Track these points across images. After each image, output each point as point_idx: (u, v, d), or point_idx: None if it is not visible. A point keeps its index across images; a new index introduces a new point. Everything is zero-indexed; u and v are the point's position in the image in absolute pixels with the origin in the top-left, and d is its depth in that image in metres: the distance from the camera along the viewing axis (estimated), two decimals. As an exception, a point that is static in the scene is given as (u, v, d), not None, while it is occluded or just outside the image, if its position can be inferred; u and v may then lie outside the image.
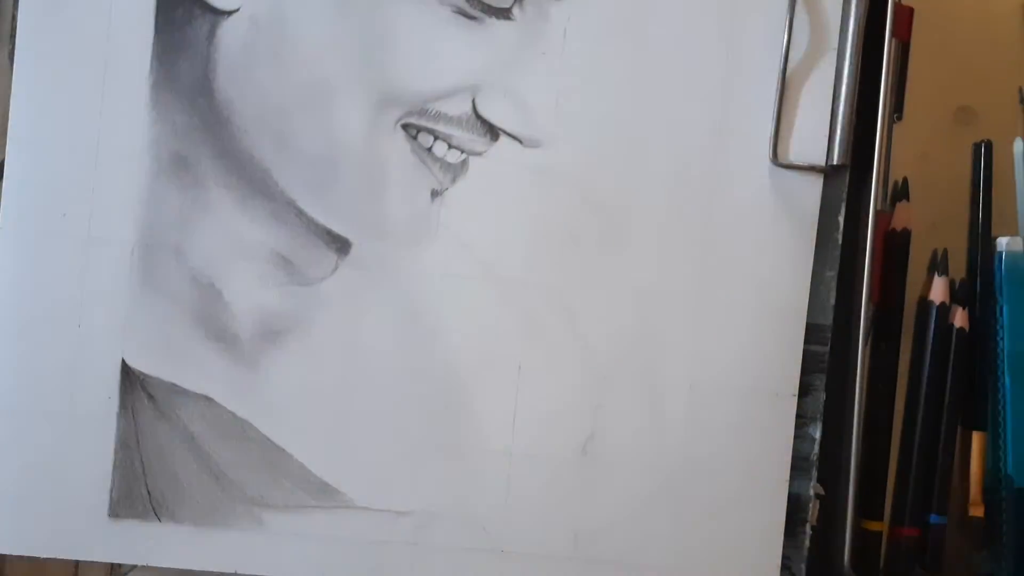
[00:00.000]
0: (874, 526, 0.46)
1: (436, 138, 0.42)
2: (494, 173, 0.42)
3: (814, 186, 0.43)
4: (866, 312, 0.42)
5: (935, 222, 0.47)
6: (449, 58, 0.42)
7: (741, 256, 0.43)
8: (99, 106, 0.42)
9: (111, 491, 0.42)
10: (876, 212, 0.43)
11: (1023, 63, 0.47)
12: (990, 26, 0.47)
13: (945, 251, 0.47)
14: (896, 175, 0.46)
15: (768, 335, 0.43)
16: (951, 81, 0.46)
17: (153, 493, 0.42)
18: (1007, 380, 0.45)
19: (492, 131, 0.42)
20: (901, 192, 0.47)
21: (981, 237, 0.47)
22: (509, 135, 0.42)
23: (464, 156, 0.42)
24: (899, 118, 0.45)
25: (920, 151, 0.46)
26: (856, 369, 0.43)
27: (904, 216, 0.46)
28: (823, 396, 0.43)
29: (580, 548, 0.43)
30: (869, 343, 0.45)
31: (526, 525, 0.43)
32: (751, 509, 0.43)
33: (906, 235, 0.46)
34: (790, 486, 0.43)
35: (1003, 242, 0.46)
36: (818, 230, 0.43)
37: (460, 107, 0.42)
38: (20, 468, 0.42)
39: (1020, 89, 0.46)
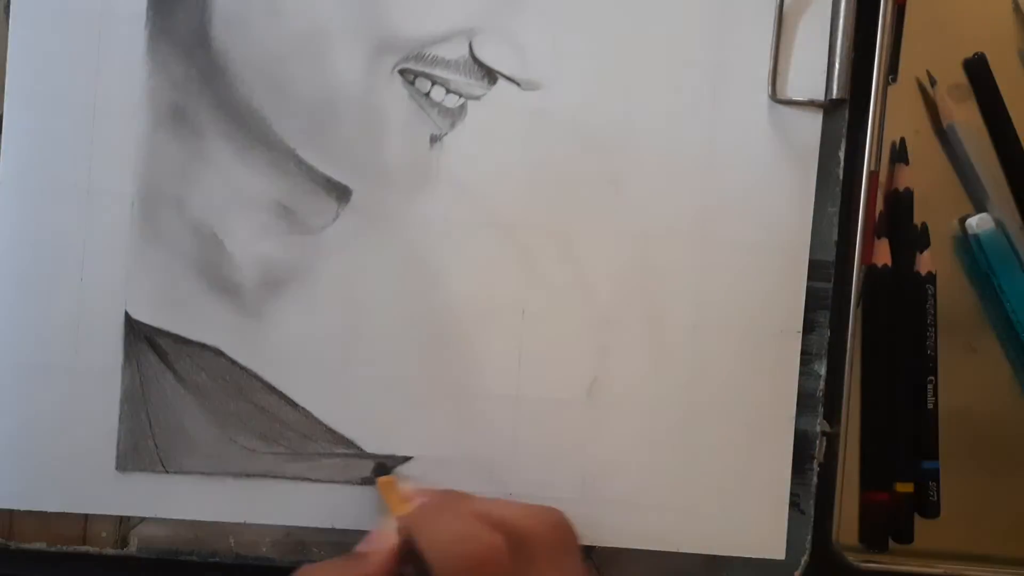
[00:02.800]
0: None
1: (434, 83, 0.42)
2: (493, 117, 0.42)
3: (814, 121, 0.42)
4: (861, 239, 0.42)
5: (928, 194, 0.46)
6: (445, 1, 0.42)
7: (742, 194, 0.43)
8: (96, 58, 0.42)
9: (118, 444, 0.42)
10: (870, 173, 0.43)
11: (1014, 40, 0.46)
12: (981, 5, 0.46)
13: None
14: (887, 152, 0.46)
15: (771, 272, 0.43)
16: (942, 58, 0.46)
17: (160, 445, 0.42)
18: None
19: (490, 74, 0.42)
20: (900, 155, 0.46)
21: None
22: (507, 78, 0.42)
23: (462, 100, 0.42)
24: (894, 80, 0.44)
25: (914, 128, 0.46)
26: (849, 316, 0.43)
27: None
28: (828, 333, 0.43)
29: (587, 490, 0.43)
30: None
31: (533, 468, 0.43)
32: (758, 447, 0.43)
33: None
34: (796, 423, 0.43)
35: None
36: (819, 166, 0.43)
37: (457, 51, 0.42)
38: (26, 423, 0.42)
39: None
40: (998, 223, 0.45)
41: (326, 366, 0.42)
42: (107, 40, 0.42)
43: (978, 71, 0.45)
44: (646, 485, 0.43)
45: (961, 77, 0.46)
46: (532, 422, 0.43)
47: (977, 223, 0.45)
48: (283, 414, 0.42)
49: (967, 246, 0.46)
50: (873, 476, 0.45)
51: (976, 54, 0.45)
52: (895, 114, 0.44)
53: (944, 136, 0.46)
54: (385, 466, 0.42)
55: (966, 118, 0.46)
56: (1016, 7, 0.46)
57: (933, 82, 0.45)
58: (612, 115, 0.42)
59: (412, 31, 0.42)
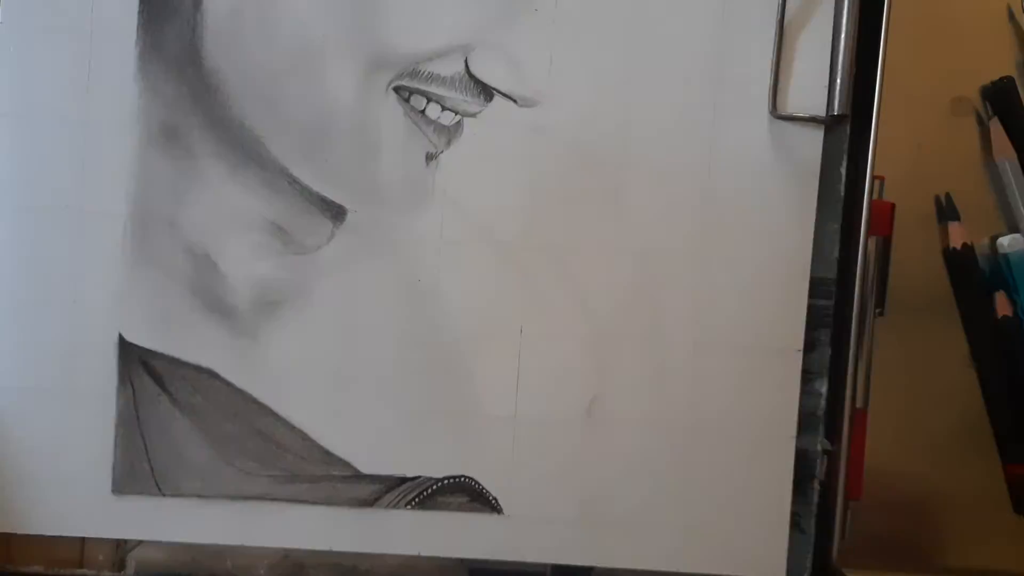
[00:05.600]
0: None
1: (429, 100, 0.41)
2: (489, 134, 0.42)
3: (815, 137, 0.42)
4: (863, 254, 0.41)
5: (929, 212, 0.46)
6: (440, 17, 0.41)
7: (742, 211, 0.42)
8: (86, 78, 0.41)
9: (114, 467, 0.42)
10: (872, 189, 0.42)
11: (1012, 53, 0.46)
12: (981, 18, 0.46)
13: (948, 194, 0.46)
14: (891, 166, 0.45)
15: (772, 290, 0.42)
16: (945, 71, 0.45)
17: (156, 468, 0.42)
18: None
19: (486, 91, 0.42)
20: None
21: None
22: (503, 95, 0.42)
23: (458, 118, 0.42)
24: (881, 314, 0.44)
25: (916, 141, 0.45)
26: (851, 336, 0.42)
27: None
28: (829, 351, 0.43)
29: (586, 510, 0.42)
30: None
31: (531, 489, 0.42)
32: (759, 466, 0.42)
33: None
34: (797, 442, 0.42)
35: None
36: (820, 182, 0.42)
37: (452, 67, 0.41)
38: (21, 446, 0.42)
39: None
40: None
41: (322, 387, 0.42)
42: (97, 58, 0.41)
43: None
44: (645, 505, 0.42)
45: (964, 90, 0.45)
46: (530, 442, 0.42)
47: (1009, 243, 0.44)
48: (279, 436, 0.42)
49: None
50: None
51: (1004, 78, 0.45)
52: (897, 130, 0.44)
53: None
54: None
55: (964, 132, 0.45)
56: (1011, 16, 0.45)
57: (989, 115, 0.44)
58: (611, 132, 0.42)
59: (407, 48, 0.41)
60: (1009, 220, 0.46)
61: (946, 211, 0.46)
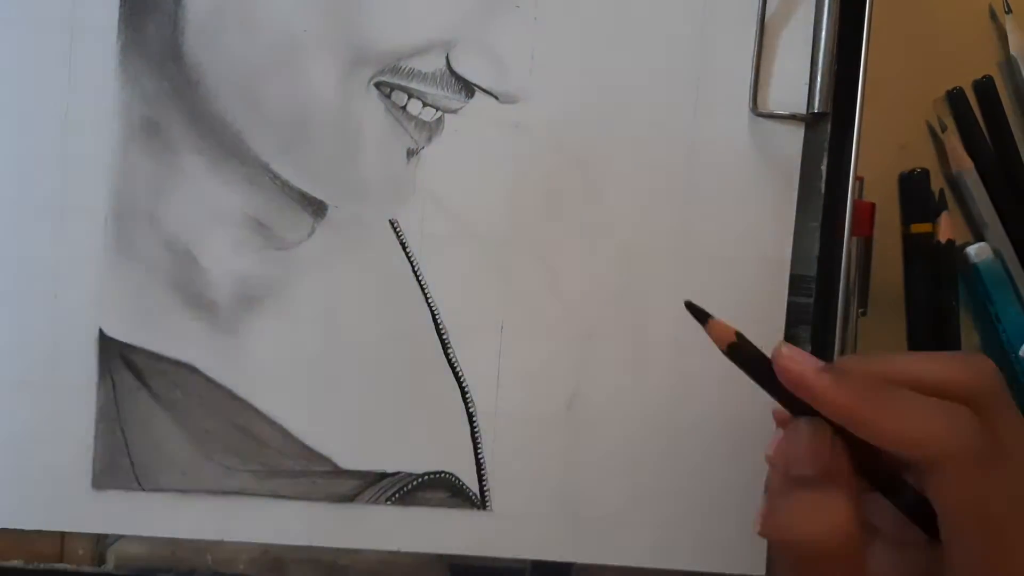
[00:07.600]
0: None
1: (410, 96, 0.41)
2: (470, 130, 0.42)
3: (795, 135, 0.42)
4: (847, 252, 0.41)
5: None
6: (421, 13, 0.41)
7: (723, 208, 0.42)
8: (67, 72, 0.41)
9: (94, 462, 0.42)
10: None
11: (995, 55, 0.46)
12: (962, 19, 0.46)
13: (941, 190, 0.46)
14: (873, 170, 0.45)
15: (752, 287, 0.42)
16: (927, 72, 0.46)
17: (136, 462, 0.42)
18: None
19: (467, 87, 0.42)
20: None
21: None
22: (484, 91, 0.42)
23: (439, 114, 0.42)
24: (864, 313, 0.45)
25: (898, 143, 0.46)
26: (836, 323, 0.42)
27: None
28: (809, 348, 0.43)
29: (566, 506, 0.42)
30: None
31: (512, 485, 0.42)
32: (740, 462, 0.42)
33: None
34: (777, 439, 0.42)
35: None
36: (800, 180, 0.42)
37: (434, 63, 0.41)
38: (1, 441, 0.42)
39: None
40: (996, 252, 0.44)
41: (302, 383, 0.42)
42: (78, 53, 0.41)
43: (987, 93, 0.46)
44: (626, 501, 0.43)
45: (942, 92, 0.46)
46: (511, 438, 0.42)
47: (976, 252, 0.45)
48: (259, 431, 0.42)
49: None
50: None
51: (985, 76, 0.45)
52: (880, 129, 0.44)
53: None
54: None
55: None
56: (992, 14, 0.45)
57: (943, 127, 0.45)
58: (592, 128, 0.42)
59: (388, 43, 0.41)
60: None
61: (937, 206, 0.46)
